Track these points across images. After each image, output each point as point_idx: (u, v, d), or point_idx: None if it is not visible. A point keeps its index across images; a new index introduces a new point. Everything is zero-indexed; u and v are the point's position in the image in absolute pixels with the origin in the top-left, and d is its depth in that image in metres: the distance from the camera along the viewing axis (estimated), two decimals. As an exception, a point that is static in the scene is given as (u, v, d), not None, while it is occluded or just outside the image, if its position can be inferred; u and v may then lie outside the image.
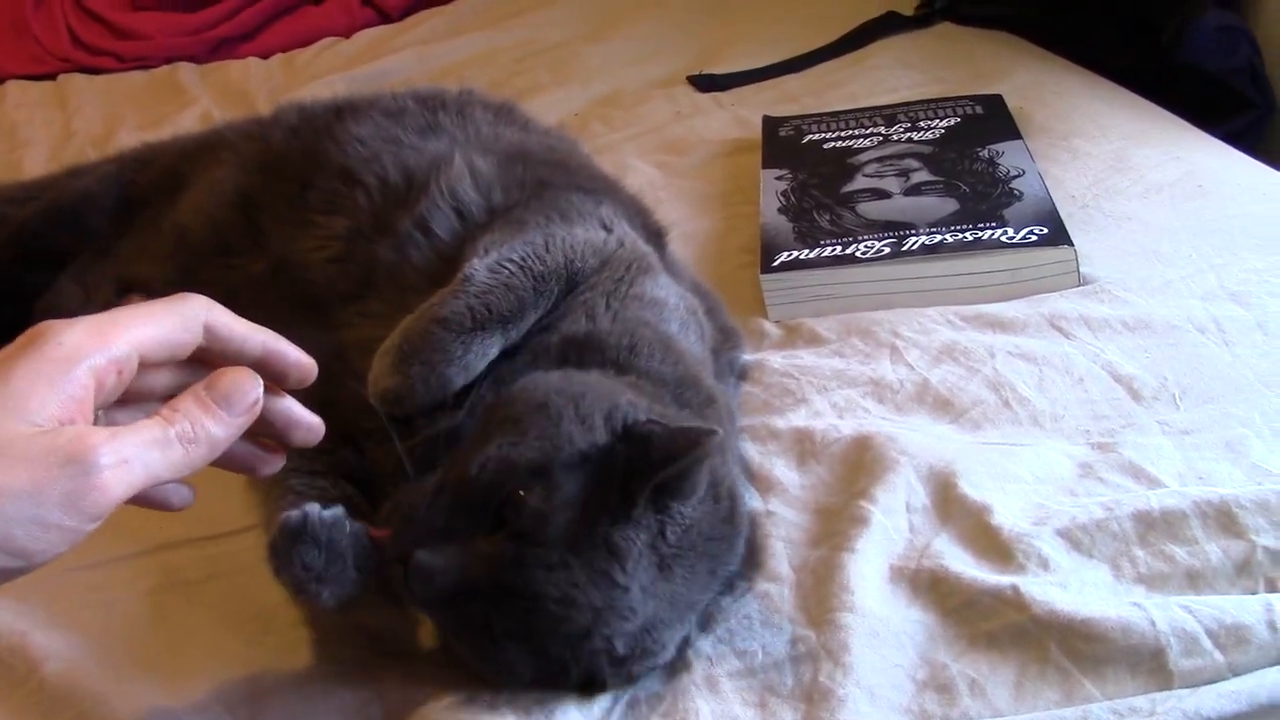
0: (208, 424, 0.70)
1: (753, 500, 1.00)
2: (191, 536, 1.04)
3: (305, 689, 0.89)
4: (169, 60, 2.19)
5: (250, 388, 0.72)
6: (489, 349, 0.94)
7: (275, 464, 0.80)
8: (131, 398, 0.72)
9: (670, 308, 1.03)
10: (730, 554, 0.90)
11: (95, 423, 0.68)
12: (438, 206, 1.08)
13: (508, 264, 0.97)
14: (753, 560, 0.94)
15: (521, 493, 0.81)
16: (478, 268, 0.96)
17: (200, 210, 1.22)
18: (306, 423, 0.78)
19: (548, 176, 1.13)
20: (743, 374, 1.15)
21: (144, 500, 0.71)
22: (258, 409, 0.72)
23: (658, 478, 0.82)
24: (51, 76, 2.17)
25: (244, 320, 0.74)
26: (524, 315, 0.96)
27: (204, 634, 0.95)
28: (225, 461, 0.74)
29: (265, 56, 2.19)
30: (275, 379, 0.75)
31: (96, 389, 0.67)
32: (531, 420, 0.85)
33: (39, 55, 2.21)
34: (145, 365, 0.70)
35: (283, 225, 1.15)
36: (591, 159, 1.32)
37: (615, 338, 0.96)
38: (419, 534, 0.82)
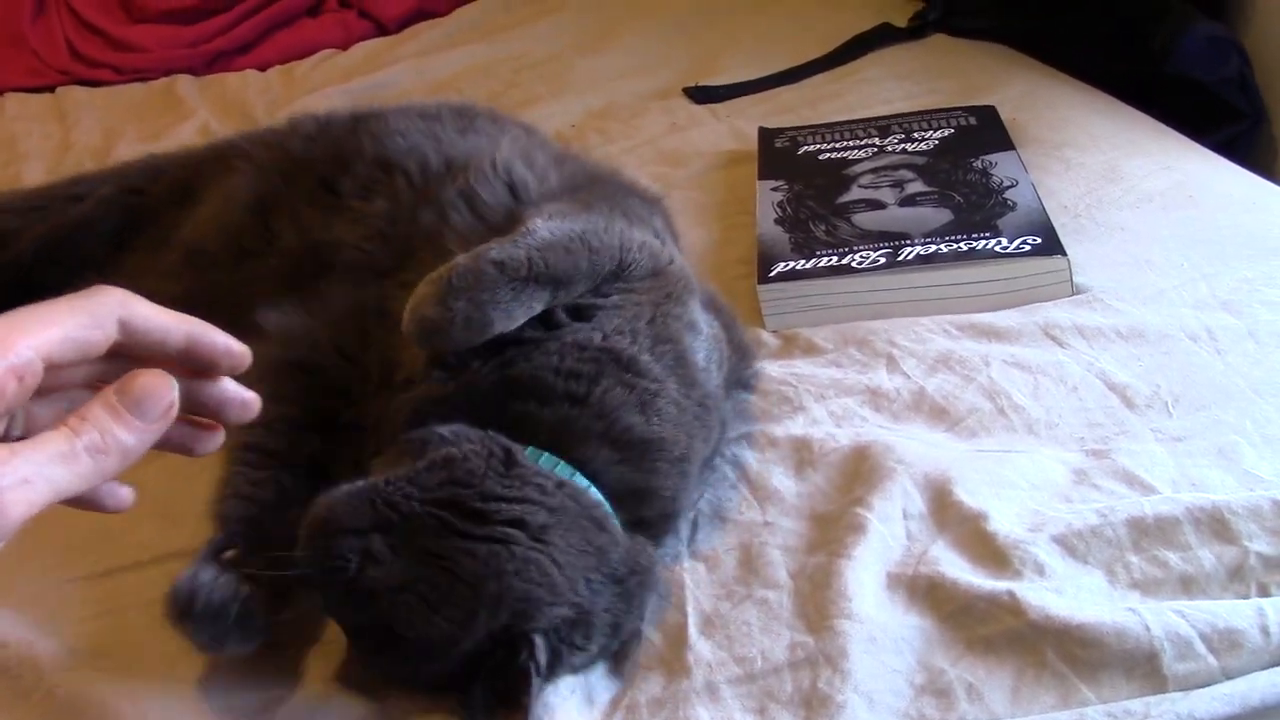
0: (119, 433, 0.65)
1: (751, 510, 1.01)
2: (194, 547, 1.04)
3: (312, 699, 0.89)
4: (167, 73, 2.19)
5: (164, 392, 0.66)
6: (535, 303, 0.94)
7: (213, 441, 0.76)
8: (50, 390, 0.67)
9: (704, 336, 1.04)
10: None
11: (9, 425, 0.66)
12: (487, 178, 1.07)
13: (570, 230, 0.97)
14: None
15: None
16: (540, 225, 0.96)
17: (214, 219, 1.22)
18: (240, 399, 0.74)
19: (602, 176, 1.13)
20: (750, 384, 1.16)
21: (77, 503, 0.68)
22: (173, 413, 0.67)
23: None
24: (50, 89, 2.17)
25: (167, 310, 0.70)
26: (573, 283, 0.96)
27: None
28: (159, 444, 0.70)
29: (262, 69, 2.20)
30: (205, 368, 0.72)
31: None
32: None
33: (37, 68, 2.22)
34: (55, 367, 0.65)
35: (304, 222, 1.15)
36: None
37: (647, 379, 0.96)
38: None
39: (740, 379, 1.14)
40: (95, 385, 0.68)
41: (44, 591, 1.02)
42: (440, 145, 1.15)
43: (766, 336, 1.24)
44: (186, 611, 0.86)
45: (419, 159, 1.12)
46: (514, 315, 0.93)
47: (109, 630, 0.97)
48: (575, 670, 0.88)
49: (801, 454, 1.06)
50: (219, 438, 0.75)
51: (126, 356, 0.68)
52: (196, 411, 0.72)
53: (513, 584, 0.83)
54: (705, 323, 1.05)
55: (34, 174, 1.80)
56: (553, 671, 0.85)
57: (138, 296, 0.69)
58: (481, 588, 0.83)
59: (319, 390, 1.03)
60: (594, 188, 1.09)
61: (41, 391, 0.66)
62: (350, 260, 1.10)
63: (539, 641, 0.83)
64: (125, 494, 0.73)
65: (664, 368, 0.98)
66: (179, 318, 0.70)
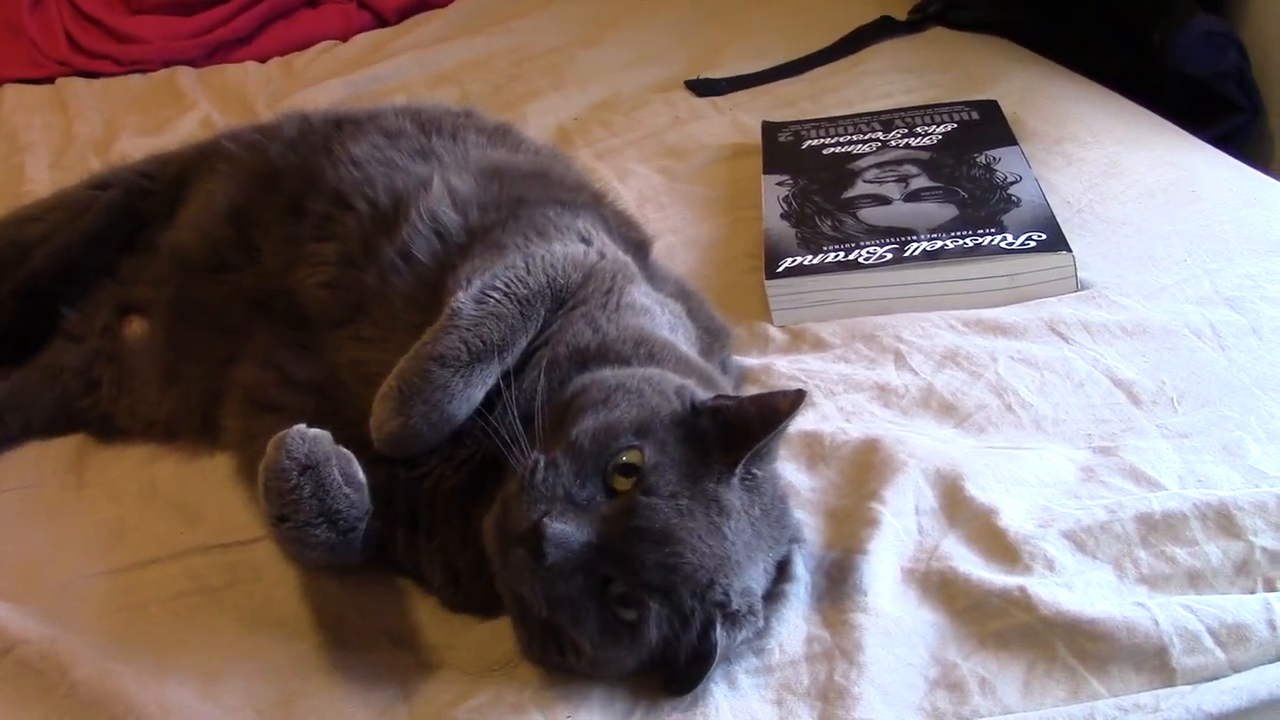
0: None
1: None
2: (210, 543, 1.06)
3: (332, 691, 0.91)
4: (166, 64, 2.18)
5: None
6: (488, 378, 0.96)
7: None
8: None
9: (658, 314, 1.05)
10: (789, 519, 0.95)
11: None
12: (419, 231, 1.09)
13: (492, 293, 0.98)
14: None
15: (630, 452, 0.86)
16: (463, 300, 0.98)
17: (195, 226, 1.22)
18: None
19: (524, 192, 1.13)
20: (740, 377, 1.17)
21: None
22: None
23: (757, 445, 0.87)
24: (49, 80, 2.16)
25: None
26: (516, 341, 0.98)
27: (230, 638, 0.97)
28: None
29: (262, 60, 2.19)
30: None
31: None
32: (616, 396, 0.90)
33: (36, 59, 2.20)
34: None
35: (277, 247, 1.16)
36: (579, 173, 1.32)
37: (626, 344, 0.98)
38: (538, 504, 0.84)
39: (727, 368, 1.14)
40: None
41: (65, 587, 1.03)
42: (391, 176, 1.16)
43: (774, 332, 1.26)
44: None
45: (368, 195, 1.14)
46: (473, 398, 0.95)
47: (130, 625, 0.98)
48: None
49: (813, 449, 1.07)
50: None
51: None
52: None
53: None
54: (655, 302, 1.06)
55: (37, 166, 1.80)
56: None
57: None
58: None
59: None
60: (509, 220, 1.09)
61: None
62: (307, 305, 1.11)
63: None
64: None
65: (642, 343, 0.99)
66: None
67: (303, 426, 0.87)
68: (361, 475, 0.89)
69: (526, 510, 0.84)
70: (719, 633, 0.85)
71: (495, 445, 0.90)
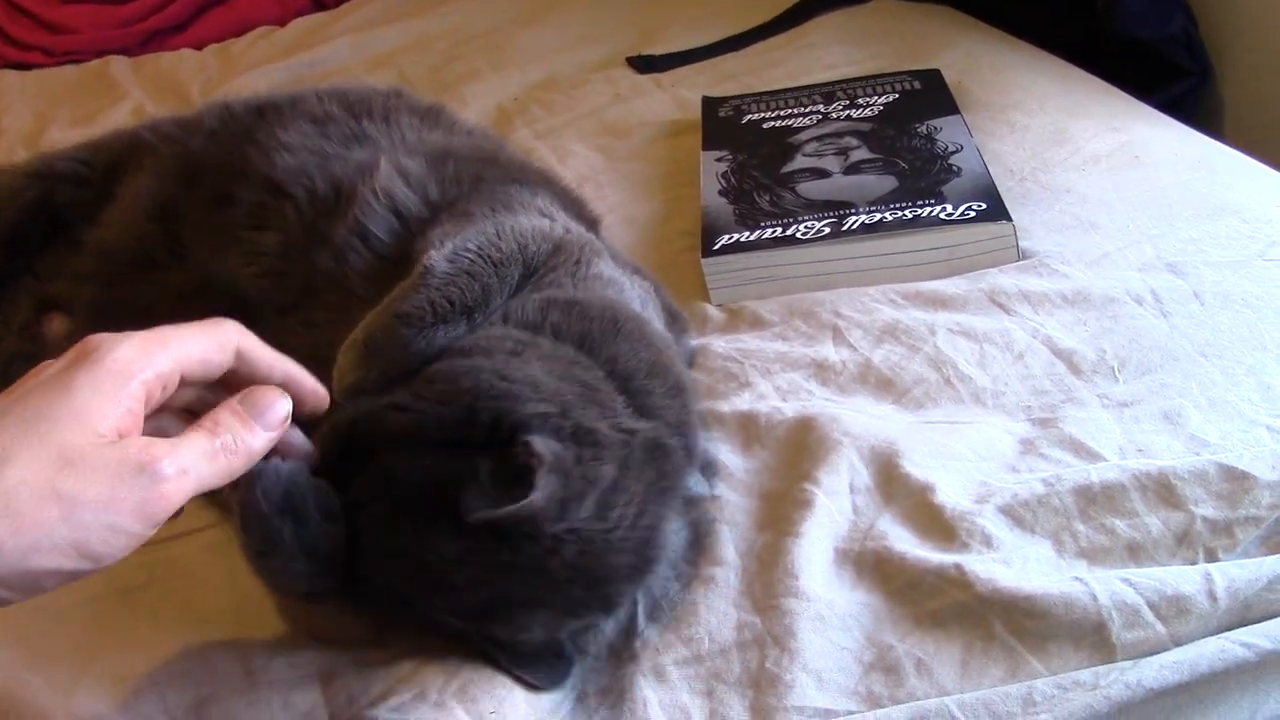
0: (246, 436, 0.75)
1: (699, 486, 1.00)
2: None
3: (249, 694, 0.87)
4: (100, 54, 2.15)
5: (281, 403, 0.77)
6: (454, 340, 0.94)
7: None
8: (157, 409, 0.75)
9: (627, 288, 1.03)
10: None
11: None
12: (374, 210, 1.06)
13: (465, 252, 0.96)
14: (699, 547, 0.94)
15: None
16: (436, 259, 0.96)
17: (120, 223, 1.18)
18: (303, 450, 0.83)
19: (480, 171, 1.12)
20: (690, 360, 1.15)
21: None
22: (287, 423, 0.78)
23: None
24: (-22, 73, 2.13)
25: (270, 348, 0.79)
26: (489, 302, 0.96)
27: (146, 640, 0.93)
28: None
29: (199, 47, 2.16)
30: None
31: (146, 401, 0.71)
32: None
33: (-35, 52, 2.17)
34: (182, 382, 0.74)
35: (205, 239, 1.12)
36: (519, 155, 1.30)
37: (598, 311, 0.96)
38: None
39: (683, 351, 1.12)
40: (187, 414, 0.77)
41: None
42: (326, 164, 1.12)
43: (712, 311, 1.23)
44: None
45: (305, 184, 1.10)
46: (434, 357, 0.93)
47: (45, 631, 0.95)
48: (601, 514, 0.85)
49: (748, 430, 1.04)
50: None
51: (224, 386, 0.78)
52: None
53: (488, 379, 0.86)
54: (624, 275, 1.05)
55: (-37, 161, 1.76)
56: (568, 480, 0.83)
57: (249, 331, 0.78)
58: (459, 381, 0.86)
59: None
60: (472, 193, 1.07)
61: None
62: (249, 293, 1.08)
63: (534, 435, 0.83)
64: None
65: (610, 317, 0.97)
66: (279, 356, 0.80)
67: (278, 462, 0.84)
68: (337, 504, 0.86)
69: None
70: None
71: None
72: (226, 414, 0.75)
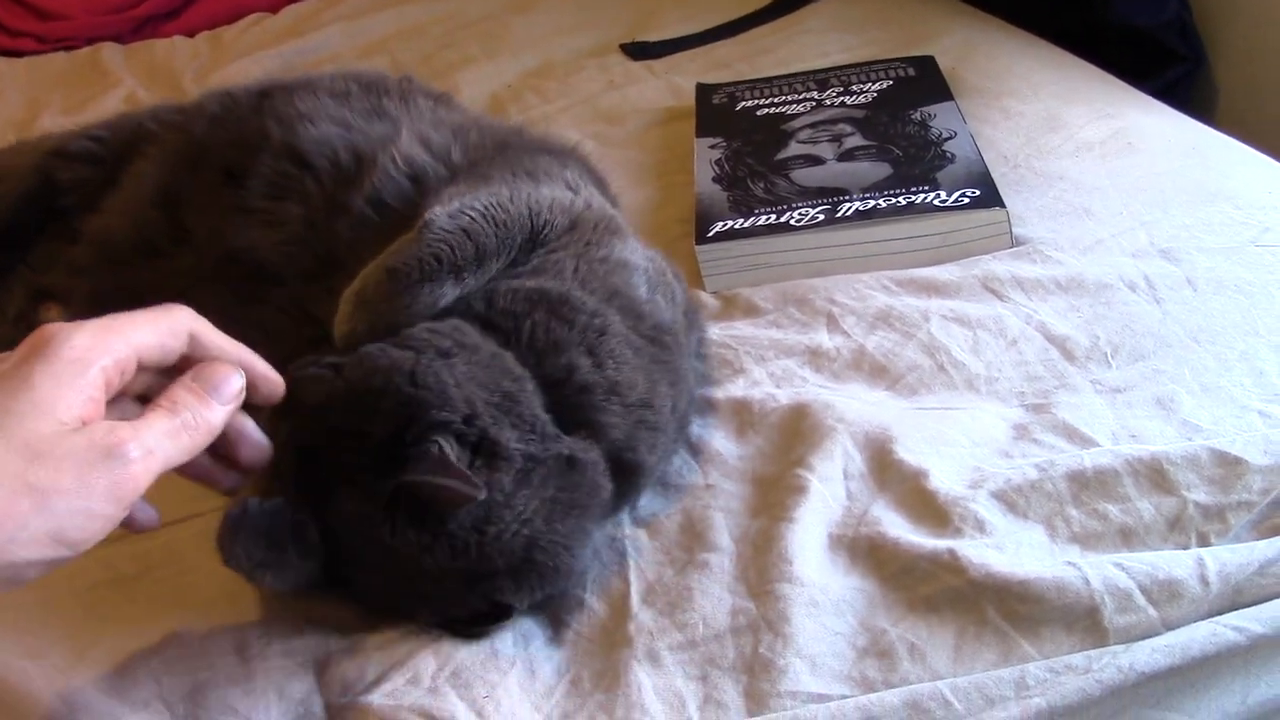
0: (204, 412, 0.76)
1: (693, 474, 1.00)
2: (123, 532, 1.02)
3: (245, 681, 0.87)
4: (91, 41, 2.14)
5: (234, 377, 0.78)
6: (439, 298, 0.94)
7: (233, 480, 0.85)
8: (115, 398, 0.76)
9: (640, 270, 1.01)
10: None
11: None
12: (390, 176, 1.06)
13: (469, 210, 0.96)
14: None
15: None
16: (438, 214, 0.95)
17: (123, 210, 1.18)
18: (255, 441, 0.83)
19: (506, 139, 1.11)
20: (698, 350, 1.13)
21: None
22: (242, 396, 0.79)
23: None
24: (-30, 62, 2.11)
25: (222, 333, 0.80)
26: (483, 263, 0.95)
27: (140, 628, 0.93)
28: (189, 469, 0.80)
29: (191, 34, 2.15)
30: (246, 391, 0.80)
31: (105, 388, 0.73)
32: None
33: (-45, 39, 2.16)
34: (138, 368, 0.76)
35: (211, 221, 1.11)
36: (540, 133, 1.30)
37: (587, 316, 0.94)
38: None
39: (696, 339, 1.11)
40: (142, 401, 0.77)
41: None
42: (349, 134, 1.12)
43: (706, 298, 1.23)
44: (239, 526, 0.84)
45: (329, 153, 1.10)
46: (419, 315, 0.93)
47: (43, 620, 0.94)
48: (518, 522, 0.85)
49: (742, 416, 1.04)
50: (239, 478, 0.86)
51: (178, 372, 0.78)
52: (217, 442, 0.80)
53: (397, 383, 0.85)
54: (642, 257, 1.03)
55: (-45, 149, 1.75)
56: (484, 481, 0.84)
57: (201, 317, 0.79)
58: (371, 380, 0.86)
59: None
60: (496, 157, 1.07)
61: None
62: (269, 262, 1.08)
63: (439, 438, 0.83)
64: (154, 513, 0.83)
65: (600, 300, 0.96)
66: (232, 341, 0.80)
67: (254, 504, 0.84)
68: (315, 535, 0.86)
69: None
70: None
71: None
72: (182, 391, 0.76)
